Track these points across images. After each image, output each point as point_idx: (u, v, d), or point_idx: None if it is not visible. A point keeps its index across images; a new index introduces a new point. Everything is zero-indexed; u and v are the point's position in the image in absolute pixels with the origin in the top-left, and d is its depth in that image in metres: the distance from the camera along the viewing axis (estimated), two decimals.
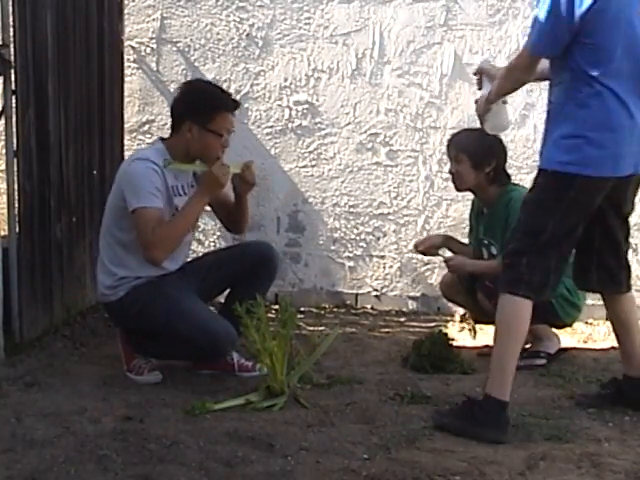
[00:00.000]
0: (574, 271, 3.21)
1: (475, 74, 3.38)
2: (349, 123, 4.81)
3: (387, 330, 4.45)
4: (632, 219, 4.61)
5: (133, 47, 4.87)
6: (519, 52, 3.04)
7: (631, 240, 4.63)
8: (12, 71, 3.62)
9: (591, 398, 3.20)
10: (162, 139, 3.54)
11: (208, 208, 3.67)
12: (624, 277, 3.15)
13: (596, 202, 2.91)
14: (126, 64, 4.85)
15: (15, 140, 3.65)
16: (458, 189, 3.89)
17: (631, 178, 2.97)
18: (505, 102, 3.18)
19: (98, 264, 3.52)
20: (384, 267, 4.89)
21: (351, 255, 4.90)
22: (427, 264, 4.81)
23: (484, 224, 3.84)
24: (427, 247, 4.01)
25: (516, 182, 3.94)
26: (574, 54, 2.83)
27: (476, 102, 3.24)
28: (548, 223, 2.86)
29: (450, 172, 3.85)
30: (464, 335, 4.18)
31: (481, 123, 3.26)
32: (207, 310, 3.45)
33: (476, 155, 3.73)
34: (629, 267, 3.16)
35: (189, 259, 3.89)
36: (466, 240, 4.10)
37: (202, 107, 3.39)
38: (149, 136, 4.85)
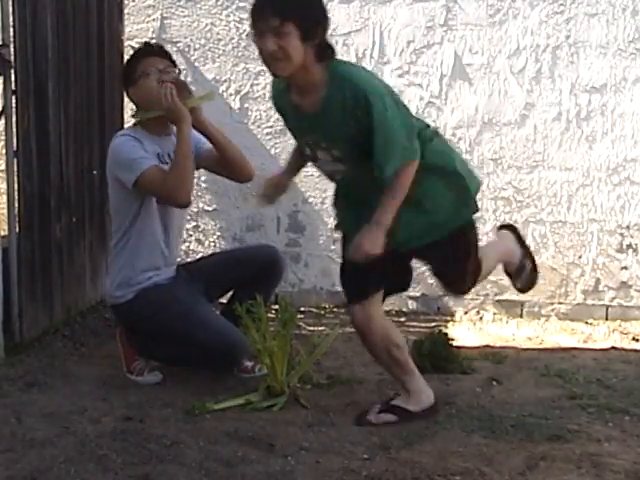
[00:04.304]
0: None
1: None
2: None
3: None
4: (632, 219, 4.73)
5: (133, 47, 4.86)
6: None
7: (631, 240, 4.76)
8: (12, 71, 3.62)
9: None
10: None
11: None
12: None
13: None
14: None
15: (15, 140, 3.65)
16: (278, 74, 2.75)
17: None
18: None
19: (110, 266, 3.48)
20: None
21: None
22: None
23: (309, 123, 2.82)
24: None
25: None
26: None
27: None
28: None
29: (264, 52, 2.68)
30: (464, 335, 4.18)
31: None
32: (223, 319, 3.41)
33: (306, 21, 2.66)
34: None
35: (193, 260, 3.89)
36: None
37: (126, 69, 3.49)
38: None
